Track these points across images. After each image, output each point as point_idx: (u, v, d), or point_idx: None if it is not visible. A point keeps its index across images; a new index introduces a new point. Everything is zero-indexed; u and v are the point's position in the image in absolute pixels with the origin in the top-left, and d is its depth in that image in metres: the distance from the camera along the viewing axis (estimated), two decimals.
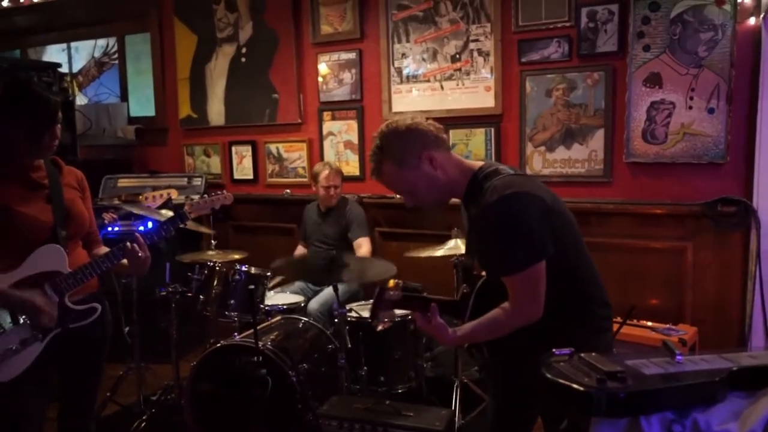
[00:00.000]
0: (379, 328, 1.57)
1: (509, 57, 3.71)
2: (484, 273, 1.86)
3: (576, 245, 1.76)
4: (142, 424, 3.14)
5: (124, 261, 2.08)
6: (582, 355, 1.28)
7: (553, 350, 1.31)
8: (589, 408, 1.16)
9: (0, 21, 5.47)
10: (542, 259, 1.63)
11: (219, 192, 2.41)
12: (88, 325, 2.05)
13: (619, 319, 2.79)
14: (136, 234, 2.08)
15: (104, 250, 2.15)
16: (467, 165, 1.79)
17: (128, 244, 2.04)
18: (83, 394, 2.20)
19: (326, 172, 3.80)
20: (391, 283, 1.74)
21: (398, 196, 1.86)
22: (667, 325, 3.15)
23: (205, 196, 2.38)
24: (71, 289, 1.99)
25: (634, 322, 3.15)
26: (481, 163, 1.79)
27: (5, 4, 5.27)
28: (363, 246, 3.75)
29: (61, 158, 2.16)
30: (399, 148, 1.73)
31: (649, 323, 3.18)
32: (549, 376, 1.22)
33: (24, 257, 1.95)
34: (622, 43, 3.39)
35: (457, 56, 3.87)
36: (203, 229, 3.65)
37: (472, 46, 3.81)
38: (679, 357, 1.25)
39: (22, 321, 1.92)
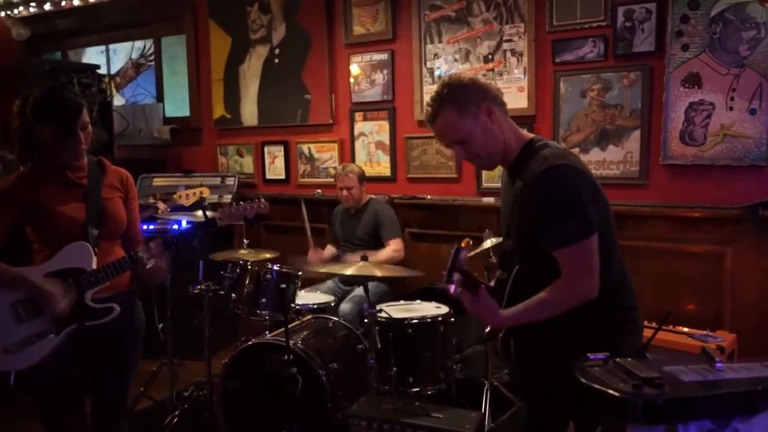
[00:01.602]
0: (452, 290, 1.54)
1: (543, 57, 3.67)
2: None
3: (613, 239, 1.74)
4: (174, 420, 3.19)
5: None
6: (617, 360, 1.26)
7: (588, 354, 1.29)
8: (624, 414, 1.14)
9: (42, 24, 5.63)
10: (595, 232, 1.60)
11: (255, 200, 2.38)
12: (118, 323, 2.08)
13: (654, 324, 2.74)
14: (150, 244, 2.10)
15: None
16: (522, 133, 1.79)
17: (139, 253, 2.06)
18: (114, 391, 2.23)
19: (338, 173, 3.86)
20: (464, 243, 1.70)
21: (449, 149, 1.81)
22: (705, 332, 3.08)
23: (241, 203, 2.33)
24: (93, 287, 2.03)
25: (670, 327, 3.07)
26: (533, 135, 1.78)
27: (47, 7, 5.42)
28: (391, 245, 3.74)
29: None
30: (460, 95, 1.71)
31: (686, 329, 3.10)
32: (583, 380, 1.20)
33: (56, 252, 2.01)
34: (659, 42, 3.32)
35: (490, 57, 3.83)
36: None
37: (505, 46, 3.78)
38: (719, 364, 1.22)
39: (40, 313, 1.98)
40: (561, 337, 1.68)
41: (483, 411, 3.00)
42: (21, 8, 5.39)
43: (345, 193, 3.80)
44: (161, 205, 3.50)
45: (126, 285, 2.18)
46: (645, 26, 3.35)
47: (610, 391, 1.14)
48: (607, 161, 3.55)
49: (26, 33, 5.19)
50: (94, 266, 2.03)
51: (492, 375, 3.22)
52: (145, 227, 3.38)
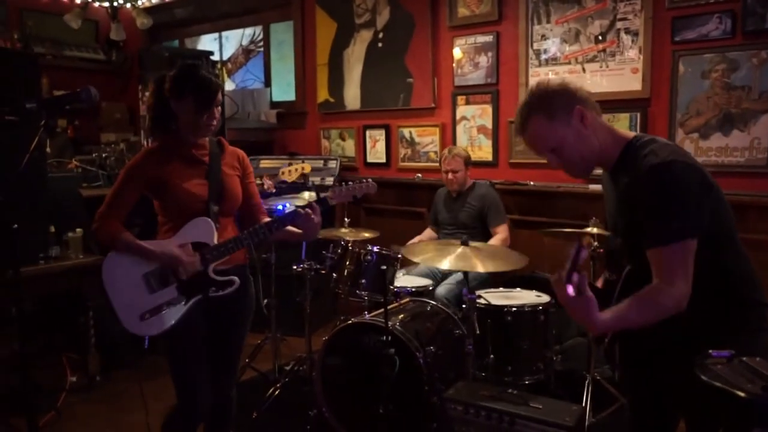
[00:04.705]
0: (570, 292, 1.48)
1: (661, 36, 3.44)
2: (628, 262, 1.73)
3: (732, 230, 1.61)
4: (276, 392, 3.33)
5: (290, 228, 2.24)
6: (744, 359, 1.17)
7: (710, 351, 1.20)
8: (751, 417, 1.05)
9: (163, 14, 5.99)
10: (692, 237, 1.49)
11: (363, 180, 2.41)
12: (234, 295, 2.20)
13: None
14: (312, 203, 2.22)
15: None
16: (620, 133, 1.68)
17: (303, 210, 2.18)
18: (227, 358, 2.37)
19: (444, 156, 3.80)
20: (586, 241, 1.63)
21: (542, 157, 1.72)
22: None
23: (350, 183, 2.39)
24: (216, 260, 2.14)
25: None
26: (635, 133, 1.68)
27: None
28: (499, 233, 3.68)
29: None
30: (549, 100, 1.64)
31: None
32: (705, 378, 1.12)
33: (180, 227, 2.14)
34: None
35: (602, 36, 3.65)
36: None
37: (618, 25, 3.58)
38: None
39: (167, 283, 2.12)
40: (686, 337, 1.56)
41: (583, 405, 2.90)
42: None
43: (450, 176, 3.77)
44: (267, 182, 3.69)
45: (241, 259, 2.29)
46: None
47: (736, 392, 1.06)
48: (730, 148, 3.29)
49: (149, 22, 5.53)
50: (215, 241, 2.14)
51: (594, 368, 3.10)
52: None
